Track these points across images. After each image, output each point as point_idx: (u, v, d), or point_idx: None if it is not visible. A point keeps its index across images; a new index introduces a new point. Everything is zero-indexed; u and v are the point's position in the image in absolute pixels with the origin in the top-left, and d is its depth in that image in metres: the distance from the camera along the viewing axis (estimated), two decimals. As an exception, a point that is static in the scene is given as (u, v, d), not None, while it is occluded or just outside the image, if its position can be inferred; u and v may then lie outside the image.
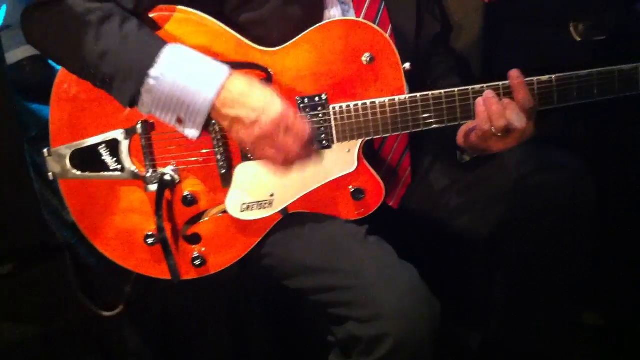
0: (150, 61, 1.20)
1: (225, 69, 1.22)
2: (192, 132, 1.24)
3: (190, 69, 1.21)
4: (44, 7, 1.24)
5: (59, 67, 1.33)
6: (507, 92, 1.32)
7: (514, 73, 1.32)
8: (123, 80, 1.21)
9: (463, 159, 1.48)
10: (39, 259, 1.59)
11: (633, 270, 1.99)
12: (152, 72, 1.19)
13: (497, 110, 1.29)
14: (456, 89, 1.34)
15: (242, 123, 1.22)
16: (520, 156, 1.50)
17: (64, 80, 1.33)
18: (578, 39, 1.93)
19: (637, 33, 1.96)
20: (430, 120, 1.34)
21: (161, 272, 1.40)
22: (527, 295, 1.63)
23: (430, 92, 1.33)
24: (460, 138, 1.41)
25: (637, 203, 1.89)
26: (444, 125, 1.35)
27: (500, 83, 1.33)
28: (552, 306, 1.65)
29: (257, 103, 1.21)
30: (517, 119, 1.29)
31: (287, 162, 1.26)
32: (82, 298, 1.53)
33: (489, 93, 1.31)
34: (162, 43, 1.22)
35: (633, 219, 1.91)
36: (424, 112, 1.34)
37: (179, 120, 1.23)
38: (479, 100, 1.32)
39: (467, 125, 1.39)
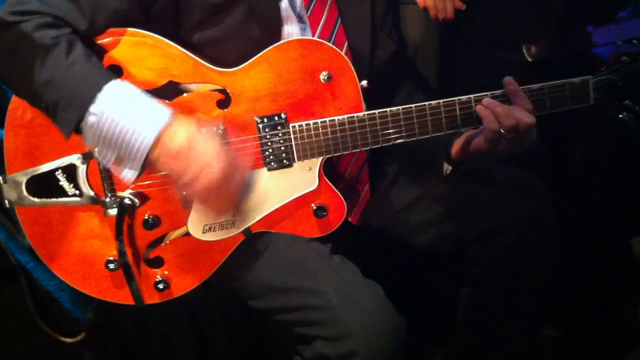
0: (91, 96, 1.17)
1: (166, 113, 1.19)
2: (129, 175, 1.20)
3: (131, 109, 1.18)
4: None
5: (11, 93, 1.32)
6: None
7: (509, 81, 1.35)
8: (65, 111, 1.19)
9: (450, 171, 1.48)
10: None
11: (588, 284, 2.04)
12: (92, 108, 1.17)
13: (503, 112, 1.32)
14: (413, 106, 1.36)
15: (179, 178, 1.20)
16: (479, 175, 1.53)
17: (18, 106, 1.31)
18: (530, 59, 1.99)
19: (584, 54, 2.03)
20: (390, 137, 1.36)
21: (124, 298, 1.38)
22: (488, 310, 1.66)
23: (388, 109, 1.35)
24: (458, 151, 1.43)
25: (592, 218, 1.94)
26: (403, 140, 1.37)
27: (456, 98, 1.36)
28: (512, 320, 1.67)
29: (195, 163, 1.18)
30: (525, 116, 1.32)
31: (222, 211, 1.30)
32: (40, 324, 1.48)
33: (487, 100, 1.35)
34: (106, 79, 1.19)
35: (588, 234, 1.95)
36: (383, 129, 1.36)
37: (119, 158, 1.20)
38: (479, 106, 1.35)
39: (463, 137, 1.42)
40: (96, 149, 1.21)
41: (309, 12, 1.44)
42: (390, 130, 1.36)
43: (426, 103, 1.36)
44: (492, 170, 1.56)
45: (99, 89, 1.18)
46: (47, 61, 1.18)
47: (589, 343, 2.06)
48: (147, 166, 1.20)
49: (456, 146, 1.42)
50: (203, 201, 1.22)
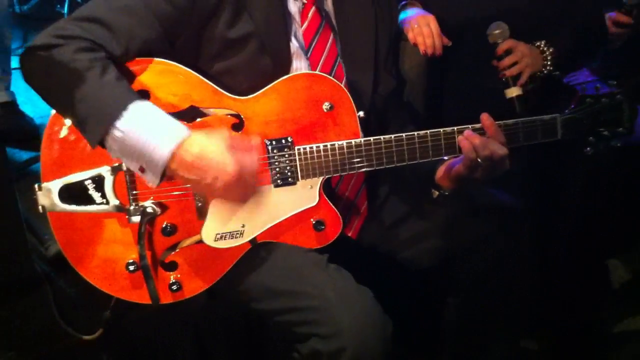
0: (118, 113, 1.32)
1: (183, 130, 1.34)
2: (152, 181, 1.36)
3: (152, 126, 1.33)
4: (38, 51, 1.37)
5: (29, 114, 1.46)
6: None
7: (485, 117, 1.54)
8: (94, 125, 1.34)
9: (437, 195, 1.65)
10: (21, 291, 1.70)
11: (565, 297, 2.21)
12: (118, 123, 1.32)
13: (480, 143, 1.50)
14: (404, 135, 1.54)
15: (198, 184, 1.36)
16: (464, 194, 1.71)
17: (55, 123, 1.47)
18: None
19: (560, 86, 2.23)
20: (383, 161, 1.54)
21: (141, 297, 1.53)
22: (469, 321, 1.82)
23: (382, 137, 1.53)
24: (441, 177, 1.61)
25: (566, 234, 2.12)
26: (394, 165, 1.55)
27: (441, 130, 1.55)
28: (491, 331, 1.84)
29: (210, 170, 1.33)
30: (499, 148, 1.51)
31: (244, 201, 1.46)
32: (62, 325, 1.64)
33: (467, 132, 1.53)
34: (132, 98, 1.34)
35: (564, 250, 2.14)
36: (377, 154, 1.54)
37: (142, 169, 1.37)
38: (461, 137, 1.53)
39: (446, 164, 1.59)
40: (123, 160, 1.37)
41: (309, 53, 1.63)
42: (384, 156, 1.54)
43: (415, 132, 1.54)
44: (472, 193, 1.75)
45: (125, 107, 1.33)
46: (83, 80, 1.34)
47: (565, 356, 2.24)
48: (167, 176, 1.36)
49: (439, 172, 1.60)
50: (222, 202, 1.39)
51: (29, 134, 2.45)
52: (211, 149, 1.33)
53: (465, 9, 2.01)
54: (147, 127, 1.33)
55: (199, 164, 1.33)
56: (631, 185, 2.26)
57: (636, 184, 2.23)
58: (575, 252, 2.20)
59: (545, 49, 1.98)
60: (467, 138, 1.52)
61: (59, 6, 3.83)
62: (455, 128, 1.55)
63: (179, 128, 1.35)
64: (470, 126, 1.55)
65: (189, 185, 1.48)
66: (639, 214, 2.34)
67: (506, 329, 1.85)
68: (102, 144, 1.35)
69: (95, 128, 1.33)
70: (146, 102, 1.37)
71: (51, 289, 1.71)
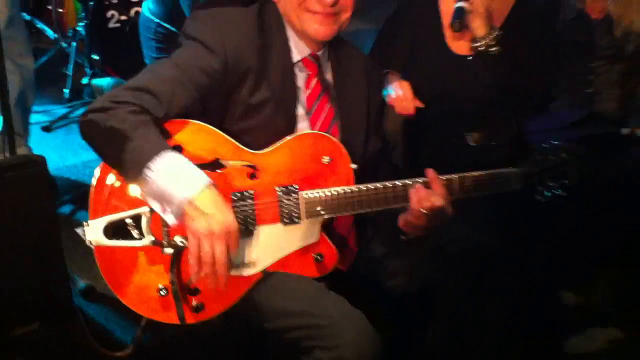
0: (152, 157, 1.63)
1: (203, 181, 1.63)
2: (170, 219, 1.68)
3: (176, 173, 1.64)
4: (96, 112, 1.70)
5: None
6: (427, 184, 1.87)
7: (429, 172, 1.88)
8: (133, 167, 1.65)
9: (402, 238, 1.94)
10: (58, 319, 1.97)
11: (539, 323, 2.52)
12: (151, 166, 1.63)
13: (424, 195, 1.83)
14: (389, 183, 1.87)
15: (199, 222, 1.62)
16: (441, 231, 2.02)
17: (104, 172, 1.78)
18: (474, 144, 2.54)
19: (519, 141, 2.60)
20: (371, 205, 1.87)
21: (169, 318, 1.81)
22: (452, 342, 2.11)
23: (372, 185, 1.86)
24: (400, 222, 1.90)
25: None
26: (380, 208, 1.89)
27: (421, 179, 1.89)
28: (473, 350, 2.13)
29: (218, 213, 1.62)
30: (436, 200, 1.83)
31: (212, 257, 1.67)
32: (97, 346, 1.90)
33: (417, 185, 1.86)
34: (165, 148, 1.65)
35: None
36: (367, 199, 1.87)
37: (163, 210, 1.68)
38: (411, 189, 1.85)
39: (404, 213, 1.89)
40: (149, 201, 1.67)
41: (310, 114, 1.97)
42: (372, 201, 1.86)
43: (388, 183, 1.87)
44: (451, 229, 2.05)
45: (157, 154, 1.64)
46: (131, 137, 1.65)
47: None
48: (183, 217, 1.64)
49: (400, 220, 1.90)
50: (208, 239, 1.63)
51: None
52: (222, 204, 1.64)
53: (432, 81, 2.40)
54: (172, 174, 1.63)
55: (209, 209, 1.62)
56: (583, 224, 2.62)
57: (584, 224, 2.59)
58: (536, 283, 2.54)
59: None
60: (416, 191, 1.84)
61: (63, 68, 4.16)
62: (408, 181, 1.87)
63: (201, 178, 1.65)
64: (421, 179, 1.88)
65: None
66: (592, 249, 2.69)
67: (484, 347, 2.13)
68: (137, 184, 1.66)
69: (134, 168, 1.64)
70: (175, 152, 1.68)
71: (82, 315, 1.98)
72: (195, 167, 1.69)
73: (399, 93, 2.29)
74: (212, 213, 1.63)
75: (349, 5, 1.91)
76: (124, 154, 1.65)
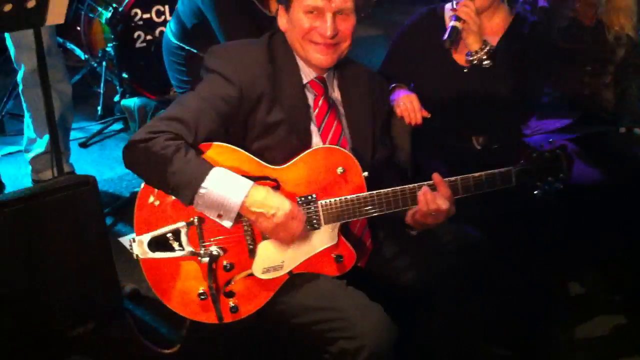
0: (202, 177, 1.89)
1: (249, 183, 1.92)
2: (227, 223, 1.94)
3: (227, 183, 1.91)
4: (138, 144, 1.93)
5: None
6: (434, 187, 2.09)
7: (435, 176, 2.09)
8: (185, 189, 1.91)
9: (410, 234, 2.20)
10: (110, 319, 2.24)
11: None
12: (203, 184, 1.90)
13: (430, 198, 2.05)
14: (398, 188, 2.09)
15: (264, 217, 1.93)
16: (443, 232, 2.24)
17: (146, 193, 2.02)
18: (478, 147, 2.75)
19: (518, 145, 2.79)
20: (383, 208, 2.09)
21: (209, 318, 2.05)
22: (453, 330, 2.33)
23: (383, 190, 2.08)
24: (408, 218, 2.13)
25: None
26: (391, 211, 2.10)
27: (426, 183, 2.10)
28: (469, 340, 2.35)
29: (273, 204, 1.92)
30: (442, 203, 2.05)
31: (293, 240, 1.99)
32: (147, 344, 2.16)
33: (425, 188, 2.07)
34: (210, 166, 1.92)
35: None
36: (379, 204, 2.08)
37: (219, 216, 1.94)
38: (419, 192, 2.07)
39: (412, 210, 2.11)
40: (205, 211, 1.93)
41: (321, 130, 2.18)
42: (383, 205, 2.08)
43: (407, 186, 2.10)
44: (451, 229, 2.28)
45: (207, 173, 1.90)
46: (172, 161, 1.90)
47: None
48: (239, 218, 1.93)
49: (407, 217, 2.12)
50: (276, 233, 1.94)
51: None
52: (271, 195, 1.93)
53: (438, 92, 2.61)
54: (222, 185, 1.90)
55: (263, 204, 1.91)
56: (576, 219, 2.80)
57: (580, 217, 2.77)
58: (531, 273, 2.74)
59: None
60: (423, 193, 2.06)
61: (95, 87, 4.42)
62: (417, 185, 2.08)
63: (245, 182, 1.92)
64: (426, 183, 2.09)
65: (241, 234, 2.03)
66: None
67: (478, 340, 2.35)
68: (191, 202, 1.91)
69: (188, 191, 1.90)
70: (220, 167, 1.93)
71: (131, 317, 2.24)
72: (238, 175, 1.94)
73: (407, 105, 2.51)
74: (266, 209, 1.91)
75: (348, 34, 2.12)
76: (171, 177, 1.91)
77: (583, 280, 3.14)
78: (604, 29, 2.91)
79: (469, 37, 2.54)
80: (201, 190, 1.89)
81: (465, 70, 2.59)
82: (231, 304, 2.07)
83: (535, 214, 2.52)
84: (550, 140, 2.27)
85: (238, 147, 2.05)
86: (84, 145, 4.15)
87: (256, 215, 1.93)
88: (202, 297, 2.05)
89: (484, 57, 2.52)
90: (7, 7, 2.14)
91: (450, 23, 2.51)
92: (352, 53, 2.23)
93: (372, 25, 4.54)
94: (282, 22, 2.18)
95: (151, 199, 2.03)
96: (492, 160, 2.28)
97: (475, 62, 2.53)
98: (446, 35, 2.50)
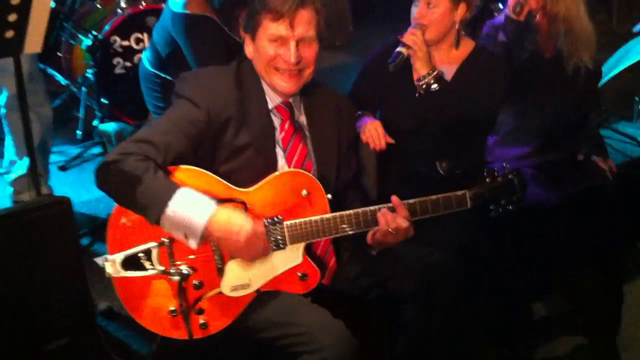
0: (168, 197, 1.99)
1: (213, 204, 1.99)
2: (193, 244, 2.03)
3: (191, 204, 2.00)
4: (110, 165, 2.03)
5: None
6: (392, 209, 2.21)
7: (394, 198, 2.21)
8: (152, 208, 2.00)
9: (371, 253, 2.32)
10: (84, 334, 2.32)
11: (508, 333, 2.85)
12: (170, 204, 1.99)
13: (390, 218, 2.17)
14: (360, 210, 2.21)
15: (227, 237, 2.03)
16: (405, 252, 2.36)
17: (117, 214, 2.12)
18: (442, 173, 2.87)
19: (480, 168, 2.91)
20: (346, 229, 2.20)
21: (180, 334, 2.14)
22: (419, 346, 2.44)
23: (345, 212, 2.19)
24: (369, 238, 2.25)
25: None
26: (353, 232, 2.22)
27: (386, 205, 2.22)
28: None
29: (236, 225, 2.02)
30: (402, 222, 2.17)
31: (257, 258, 2.10)
32: (116, 358, 2.25)
33: (384, 209, 2.20)
34: (176, 187, 2.01)
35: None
36: (341, 224, 2.20)
37: (185, 236, 2.04)
38: (379, 213, 2.19)
39: (373, 230, 2.24)
40: (172, 231, 2.02)
41: (286, 152, 2.30)
42: (346, 225, 2.20)
43: (367, 208, 2.22)
44: (413, 248, 2.40)
45: (173, 193, 1.99)
46: (141, 180, 1.99)
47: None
48: (204, 239, 2.02)
49: (368, 237, 2.24)
50: (239, 254, 2.04)
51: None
52: (234, 216, 2.03)
53: (402, 117, 2.75)
54: (188, 206, 1.99)
55: (227, 226, 2.01)
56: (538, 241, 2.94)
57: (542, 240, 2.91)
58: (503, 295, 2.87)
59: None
60: (383, 214, 2.19)
61: (75, 111, 4.52)
62: (377, 207, 2.21)
63: (209, 204, 2.01)
64: (386, 205, 2.22)
65: (209, 254, 2.13)
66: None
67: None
68: (158, 222, 2.00)
69: (155, 211, 1.99)
70: (186, 188, 2.02)
71: (104, 332, 2.33)
72: (203, 196, 2.04)
73: (372, 132, 2.65)
74: (229, 230, 2.01)
75: (312, 61, 2.25)
76: (139, 197, 2.00)
77: (547, 302, 3.28)
78: (564, 60, 3.05)
79: (416, 63, 2.69)
80: (167, 211, 1.99)
81: (417, 95, 2.72)
82: (201, 320, 2.16)
83: (502, 237, 2.65)
84: (504, 164, 2.41)
85: (206, 169, 2.16)
86: (63, 168, 4.24)
87: (220, 236, 2.03)
88: (173, 314, 2.14)
89: (432, 81, 2.67)
90: (-13, 37, 2.25)
91: (397, 49, 2.66)
92: (330, 79, 2.36)
93: (348, 53, 4.71)
94: (249, 50, 2.30)
95: (123, 219, 2.13)
96: (456, 185, 2.40)
97: (424, 86, 2.68)
98: (391, 59, 2.66)
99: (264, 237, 2.09)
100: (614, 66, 4.51)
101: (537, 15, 3.03)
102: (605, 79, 4.52)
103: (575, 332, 3.09)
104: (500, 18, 3.09)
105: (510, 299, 2.99)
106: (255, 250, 2.07)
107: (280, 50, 2.21)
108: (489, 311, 2.72)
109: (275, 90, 2.28)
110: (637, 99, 4.44)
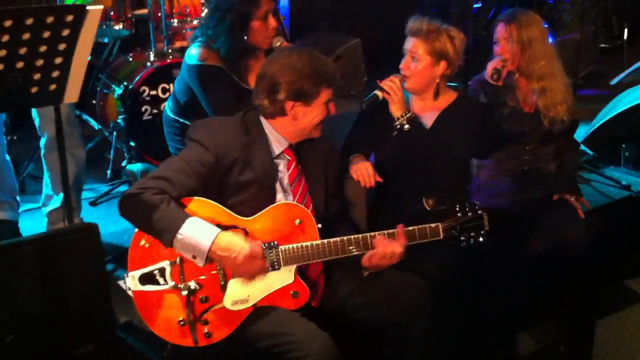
0: (179, 224, 2.37)
1: (216, 230, 2.36)
2: (200, 263, 2.40)
3: (199, 230, 2.38)
4: (131, 197, 2.42)
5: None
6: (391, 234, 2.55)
7: (400, 226, 2.56)
8: (166, 233, 2.38)
9: (363, 274, 2.64)
10: (107, 343, 2.68)
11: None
12: (181, 230, 2.37)
13: (387, 243, 2.52)
14: (345, 237, 2.55)
15: (228, 257, 2.39)
16: (392, 275, 2.68)
17: (138, 237, 2.50)
18: (428, 209, 3.20)
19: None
20: (333, 255, 2.55)
21: (187, 342, 2.48)
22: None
23: (332, 239, 2.54)
24: (365, 261, 2.58)
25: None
26: (340, 257, 2.56)
27: (385, 232, 2.56)
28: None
29: (235, 247, 2.38)
30: (397, 247, 2.52)
31: (253, 276, 2.45)
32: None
33: (379, 235, 2.54)
34: (187, 216, 2.39)
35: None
36: (329, 250, 2.55)
37: (194, 256, 2.41)
38: (375, 240, 2.53)
39: (369, 253, 2.56)
40: (182, 252, 2.39)
41: (292, 187, 2.68)
42: (333, 252, 2.54)
43: (352, 236, 2.56)
44: (396, 277, 2.72)
45: (183, 221, 2.37)
46: (157, 209, 2.38)
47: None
48: (210, 259, 2.38)
49: (364, 259, 2.57)
50: (238, 272, 2.40)
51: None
52: (234, 240, 2.39)
53: (390, 157, 3.11)
54: (196, 231, 2.37)
55: (228, 248, 2.37)
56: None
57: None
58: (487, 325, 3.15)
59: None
60: (380, 240, 2.54)
61: (106, 153, 4.96)
62: (375, 233, 2.56)
63: (214, 230, 2.39)
64: (385, 232, 2.57)
65: (214, 272, 2.49)
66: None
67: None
68: (171, 244, 2.38)
69: (168, 235, 2.37)
70: (194, 217, 2.41)
71: (123, 342, 2.70)
72: (209, 224, 2.42)
73: (362, 171, 3.01)
74: (230, 252, 2.37)
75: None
76: (155, 223, 2.38)
77: (533, 332, 3.55)
78: (540, 115, 3.40)
79: (391, 107, 3.06)
80: (178, 235, 2.37)
81: (394, 134, 3.06)
82: (206, 330, 2.50)
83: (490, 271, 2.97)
84: (476, 202, 2.73)
85: (214, 201, 2.54)
86: (93, 203, 4.64)
87: (222, 256, 2.40)
88: (182, 323, 2.49)
89: (404, 122, 3.03)
90: (34, 89, 2.68)
91: (375, 91, 3.05)
92: (344, 124, 2.86)
93: (350, 102, 5.11)
94: (295, 112, 2.60)
95: (142, 242, 2.51)
96: (440, 220, 2.71)
97: (398, 126, 3.04)
98: (365, 99, 3.06)
99: (260, 257, 2.43)
100: (604, 116, 4.85)
101: (516, 75, 3.39)
102: (594, 127, 4.87)
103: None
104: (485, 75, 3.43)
105: (494, 328, 3.25)
106: (253, 269, 2.43)
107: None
108: (472, 339, 3.00)
109: (287, 134, 2.65)
110: (623, 145, 4.76)
